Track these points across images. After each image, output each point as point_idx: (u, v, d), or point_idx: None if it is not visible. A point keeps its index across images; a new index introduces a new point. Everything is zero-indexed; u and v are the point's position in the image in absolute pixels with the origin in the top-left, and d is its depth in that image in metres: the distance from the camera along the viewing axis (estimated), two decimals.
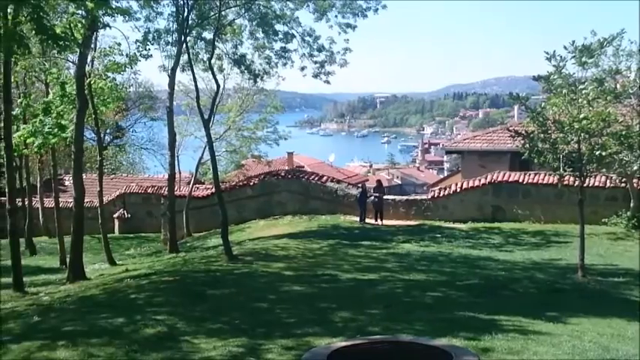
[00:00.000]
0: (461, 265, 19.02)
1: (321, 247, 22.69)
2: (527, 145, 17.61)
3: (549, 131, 17.22)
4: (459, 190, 28.88)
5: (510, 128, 25.50)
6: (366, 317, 12.52)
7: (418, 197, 31.93)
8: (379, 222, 28.52)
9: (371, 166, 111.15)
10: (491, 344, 10.31)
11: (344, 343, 9.20)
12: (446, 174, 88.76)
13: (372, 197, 29.19)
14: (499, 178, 28.18)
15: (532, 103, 18.39)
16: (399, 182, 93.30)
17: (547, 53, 16.91)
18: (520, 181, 27.61)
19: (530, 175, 27.58)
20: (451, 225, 27.12)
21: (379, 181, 31.71)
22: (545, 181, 26.86)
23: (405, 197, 32.69)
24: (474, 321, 12.06)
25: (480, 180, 28.58)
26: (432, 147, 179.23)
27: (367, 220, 28.61)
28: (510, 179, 27.94)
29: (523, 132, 17.84)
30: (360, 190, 30.16)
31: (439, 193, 29.40)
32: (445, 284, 16.02)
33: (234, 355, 10.19)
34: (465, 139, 39.09)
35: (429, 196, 29.85)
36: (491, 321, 11.96)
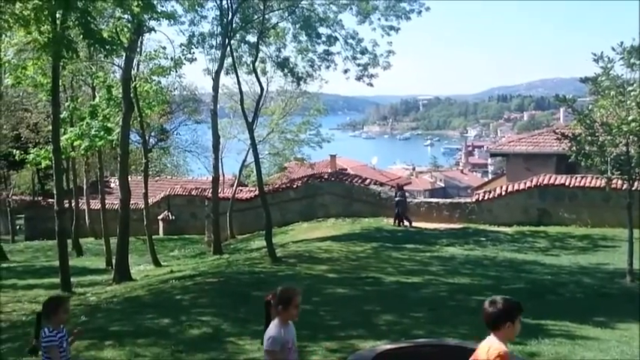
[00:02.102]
0: (506, 269, 18.80)
1: (365, 249, 22.61)
2: (574, 148, 17.32)
3: (597, 134, 16.92)
4: (504, 193, 28.55)
5: (557, 131, 25.06)
6: (410, 320, 12.46)
7: (462, 200, 31.68)
8: (404, 224, 28.25)
9: (414, 169, 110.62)
10: (537, 349, 10.19)
11: (389, 346, 9.15)
12: (490, 177, 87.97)
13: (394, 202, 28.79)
14: (545, 182, 27.79)
15: (579, 105, 18.07)
16: (442, 185, 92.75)
17: (595, 55, 16.62)
18: (566, 184, 27.20)
19: (576, 178, 27.15)
20: (496, 228, 26.81)
21: (398, 185, 31.00)
22: (592, 185, 26.42)
23: (448, 200, 32.48)
24: None
25: (525, 183, 28.23)
26: (476, 150, 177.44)
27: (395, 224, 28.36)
28: (556, 182, 27.53)
29: (570, 134, 17.56)
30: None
31: (484, 196, 29.09)
32: (490, 288, 15.83)
33: None
34: (510, 142, 38.61)
35: (474, 199, 29.56)
36: (537, 325, 11.80)
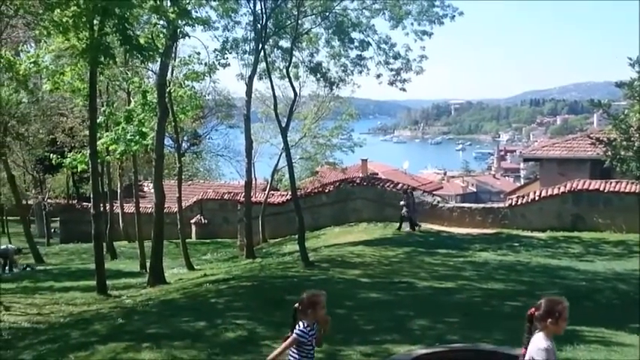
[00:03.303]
0: (540, 275, 18.68)
1: (397, 254, 22.61)
2: (610, 153, 17.24)
3: (632, 139, 16.80)
4: (537, 198, 28.35)
5: (591, 135, 24.92)
6: (444, 325, 12.46)
7: (495, 205, 31.48)
8: (412, 228, 28.10)
9: (445, 174, 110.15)
10: (573, 355, 10.16)
11: (424, 351, 9.21)
12: (522, 182, 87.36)
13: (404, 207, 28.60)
14: (579, 187, 27.56)
15: (614, 109, 17.97)
16: (474, 190, 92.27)
17: (630, 59, 16.53)
18: (601, 189, 26.93)
19: (611, 183, 26.87)
20: (529, 234, 26.61)
21: (405, 190, 30.31)
22: (627, 190, 26.15)
23: (481, 205, 32.31)
24: None
25: (559, 188, 28.01)
26: (508, 154, 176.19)
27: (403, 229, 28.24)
28: (591, 187, 27.28)
29: (605, 139, 17.46)
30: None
31: (517, 201, 28.91)
32: (524, 294, 15.76)
33: None
34: (543, 147, 38.32)
35: (507, 204, 29.38)
36: (572, 331, 11.71)
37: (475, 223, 28.91)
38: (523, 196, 29.52)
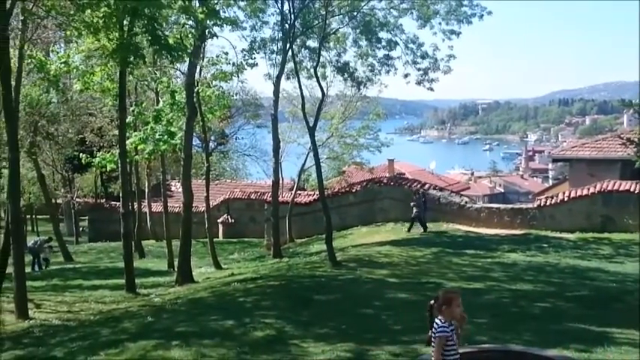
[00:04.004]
0: (569, 276, 18.51)
1: (425, 254, 22.53)
2: None
3: None
4: (566, 199, 28.07)
5: (622, 136, 24.59)
6: (473, 326, 12.34)
7: (524, 206, 31.21)
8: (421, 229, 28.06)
9: (472, 174, 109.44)
10: (603, 357, 10.07)
11: None
12: (551, 182, 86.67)
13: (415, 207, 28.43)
14: (609, 187, 27.24)
15: None
16: (502, 190, 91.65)
17: None
18: (632, 190, 26.59)
19: None
20: (558, 235, 26.36)
21: (416, 190, 29.92)
22: None
23: (510, 206, 32.04)
24: (585, 333, 11.80)
25: (588, 189, 27.71)
26: (536, 154, 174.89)
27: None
28: (621, 188, 26.95)
29: (635, 139, 17.27)
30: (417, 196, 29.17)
31: (546, 202, 28.65)
32: (554, 295, 15.66)
33: (342, 359, 10.29)
34: (572, 147, 37.95)
35: (535, 205, 29.14)
36: (603, 333, 11.65)
37: (503, 224, 28.71)
38: (552, 197, 29.25)
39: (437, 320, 7.29)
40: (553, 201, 28.50)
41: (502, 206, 31.36)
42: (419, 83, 28.26)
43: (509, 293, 16.00)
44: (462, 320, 7.42)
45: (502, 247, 23.77)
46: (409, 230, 28.13)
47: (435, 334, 7.26)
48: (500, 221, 28.92)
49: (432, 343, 7.31)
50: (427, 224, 28.30)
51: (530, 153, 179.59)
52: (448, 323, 7.24)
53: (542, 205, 28.64)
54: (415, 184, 32.79)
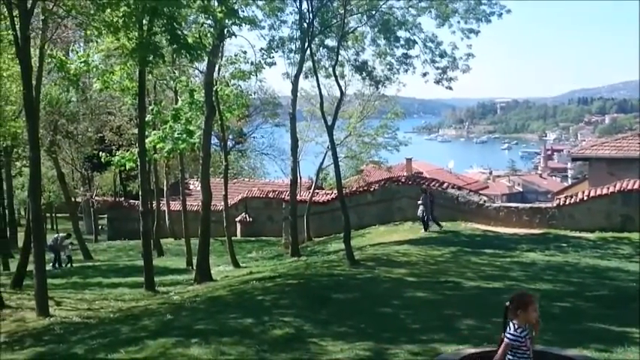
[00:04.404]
0: (589, 276, 18.41)
1: (443, 254, 22.47)
2: None
3: None
4: (585, 198, 27.90)
5: None
6: (492, 326, 12.32)
7: (543, 205, 31.06)
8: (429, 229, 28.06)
9: (491, 173, 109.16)
10: (624, 357, 10.01)
11: (473, 350, 9.14)
12: (570, 182, 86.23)
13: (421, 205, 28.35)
14: (629, 187, 27.03)
15: None
16: (520, 190, 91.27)
17: None
18: None
19: None
20: (577, 234, 26.22)
21: (424, 190, 29.57)
22: None
23: (528, 205, 31.90)
24: (605, 333, 11.73)
25: (608, 188, 27.53)
26: (555, 154, 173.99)
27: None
28: None
29: None
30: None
31: (565, 202, 28.49)
32: (573, 295, 15.58)
33: (361, 358, 10.32)
34: (592, 146, 37.68)
35: (555, 204, 28.99)
36: (623, 333, 11.58)
37: (522, 223, 28.59)
38: (571, 196, 29.08)
39: (510, 324, 7.14)
40: (572, 200, 28.34)
41: (521, 205, 31.23)
42: (437, 82, 28.18)
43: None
44: (537, 325, 7.22)
45: (521, 247, 23.69)
46: (425, 230, 28.05)
47: (505, 337, 7.14)
48: (518, 220, 28.80)
49: None
50: (441, 223, 28.40)
51: (549, 152, 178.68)
52: (522, 329, 7.08)
53: (561, 204, 28.49)
54: (433, 183, 32.73)
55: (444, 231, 27.75)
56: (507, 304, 7.22)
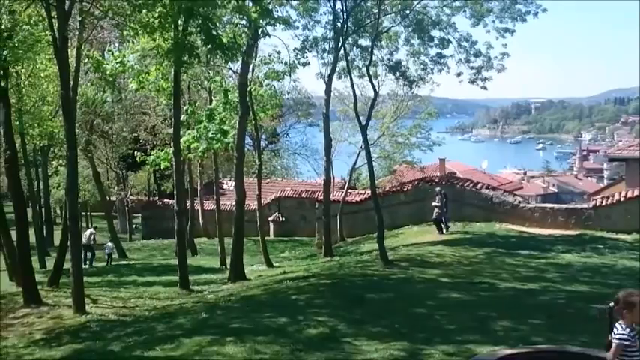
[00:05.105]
0: (626, 278, 18.13)
1: (477, 254, 22.30)
2: None
3: None
4: (622, 199, 27.49)
5: None
6: (527, 327, 12.26)
7: (578, 206, 30.70)
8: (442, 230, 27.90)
9: (525, 174, 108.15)
10: None
11: (508, 351, 9.06)
12: (605, 182, 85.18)
13: (436, 209, 28.15)
14: None
15: None
16: (555, 190, 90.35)
17: None
18: None
19: None
20: (614, 235, 25.86)
21: (440, 191, 28.82)
22: None
23: (564, 206, 31.55)
24: None
25: None
26: (591, 154, 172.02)
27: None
28: None
29: None
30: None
31: (601, 202, 28.12)
32: (610, 297, 15.28)
33: (395, 358, 10.29)
34: (629, 146, 37.11)
35: (591, 205, 28.64)
36: None
37: (557, 224, 28.29)
38: (608, 197, 28.70)
39: (617, 324, 6.91)
40: (609, 201, 27.96)
41: (556, 206, 30.89)
42: (472, 82, 27.98)
43: (565, 294, 15.74)
44: (638, 321, 6.88)
45: (556, 248, 23.41)
46: (441, 232, 27.90)
47: (613, 338, 6.90)
48: (554, 221, 28.50)
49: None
50: (449, 224, 28.39)
51: (585, 152, 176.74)
52: (630, 328, 6.85)
53: (597, 205, 28.12)
54: (467, 183, 32.50)
55: (480, 232, 27.53)
56: (611, 304, 6.99)
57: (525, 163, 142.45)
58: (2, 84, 19.44)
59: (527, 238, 25.88)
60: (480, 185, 32.19)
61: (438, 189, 28.88)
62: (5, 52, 18.45)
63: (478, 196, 30.85)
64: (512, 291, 16.12)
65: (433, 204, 28.14)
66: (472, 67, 27.52)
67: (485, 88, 28.12)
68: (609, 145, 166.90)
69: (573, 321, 12.69)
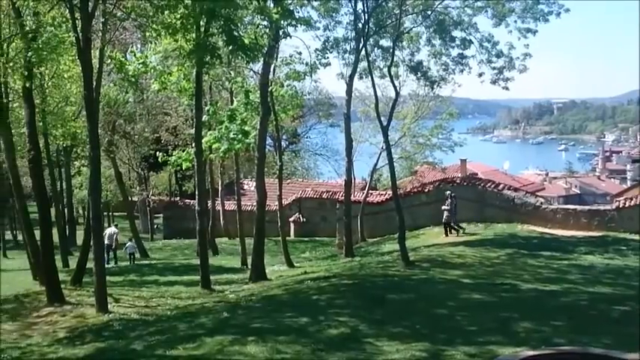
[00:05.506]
0: None
1: (499, 255, 22.22)
2: None
3: None
4: None
5: None
6: (549, 328, 12.18)
7: (602, 207, 30.47)
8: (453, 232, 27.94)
9: (547, 175, 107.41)
10: None
11: (531, 353, 9.00)
12: (629, 184, 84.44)
13: (446, 212, 28.07)
14: None
15: None
16: (578, 192, 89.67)
17: None
18: None
19: None
20: (637, 237, 25.65)
21: (450, 195, 28.57)
22: None
23: (587, 207, 31.35)
24: None
25: None
26: (614, 155, 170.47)
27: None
28: None
29: None
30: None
31: (624, 204, 27.92)
32: (634, 298, 15.22)
33: (417, 359, 10.28)
34: None
35: (614, 207, 28.42)
36: None
37: (580, 226, 28.11)
38: (631, 199, 28.50)
39: None
40: (632, 202, 27.77)
41: (579, 207, 30.72)
42: (494, 82, 27.88)
43: (587, 296, 15.64)
44: None
45: (579, 249, 23.27)
46: (446, 235, 27.85)
47: None
48: (576, 223, 28.33)
49: None
50: (460, 225, 28.41)
51: (608, 153, 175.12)
52: None
53: (620, 206, 27.94)
54: (489, 184, 32.36)
55: (501, 233, 27.40)
56: None
57: (547, 164, 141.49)
58: (27, 85, 19.66)
59: (550, 240, 25.74)
60: (501, 186, 32.05)
61: (447, 192, 28.81)
62: (30, 54, 18.64)
63: (500, 197, 30.73)
64: (534, 292, 16.03)
65: (443, 207, 28.08)
66: (494, 68, 27.46)
67: (507, 88, 28.02)
68: (632, 146, 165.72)
69: (596, 323, 12.60)
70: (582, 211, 29.44)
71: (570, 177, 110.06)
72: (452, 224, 28.00)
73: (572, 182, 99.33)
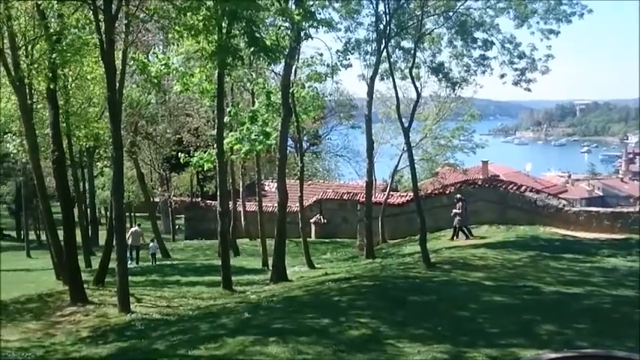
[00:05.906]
0: None
1: (521, 258, 22.08)
2: None
3: None
4: None
5: None
6: (572, 331, 12.10)
7: (625, 210, 30.21)
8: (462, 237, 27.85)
9: (569, 177, 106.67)
10: None
11: (553, 355, 8.94)
12: None
13: (457, 217, 28.01)
14: None
15: None
16: (601, 194, 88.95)
17: None
18: None
19: None
20: None
21: (460, 198, 28.78)
22: None
23: (610, 209, 31.10)
24: None
25: None
26: (637, 157, 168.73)
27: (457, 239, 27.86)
28: None
29: None
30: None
31: None
32: None
33: None
34: None
35: (637, 209, 28.18)
36: None
37: (603, 228, 27.89)
38: None
39: None
40: None
41: (602, 210, 30.48)
42: (516, 84, 27.66)
43: (610, 299, 15.51)
44: None
45: (602, 252, 23.06)
46: (452, 238, 27.77)
47: None
48: (599, 225, 28.12)
49: None
50: (469, 228, 28.32)
51: (631, 155, 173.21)
52: None
53: None
54: (511, 186, 32.22)
55: (523, 235, 27.25)
56: None
57: (570, 165, 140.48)
58: (51, 86, 19.84)
59: (572, 242, 25.55)
60: (523, 188, 31.89)
61: (458, 195, 28.71)
62: (54, 55, 18.82)
63: (522, 199, 30.59)
64: (556, 295, 15.93)
65: (454, 211, 27.99)
66: (516, 69, 27.20)
67: (529, 89, 27.78)
68: None
69: (619, 326, 12.51)
70: (605, 213, 29.21)
71: (593, 179, 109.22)
72: (461, 229, 27.92)
73: (595, 184, 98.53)
